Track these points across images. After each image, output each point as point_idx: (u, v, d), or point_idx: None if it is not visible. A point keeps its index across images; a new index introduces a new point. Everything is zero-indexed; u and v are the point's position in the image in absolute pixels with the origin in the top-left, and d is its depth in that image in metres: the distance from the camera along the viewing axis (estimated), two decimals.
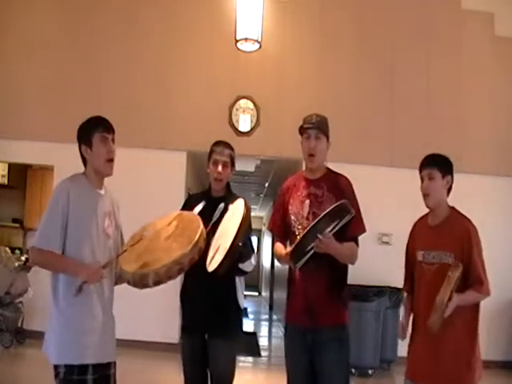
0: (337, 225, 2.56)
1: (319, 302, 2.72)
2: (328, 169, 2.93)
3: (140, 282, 2.36)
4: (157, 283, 2.36)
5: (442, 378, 2.63)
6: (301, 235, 2.61)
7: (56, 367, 2.37)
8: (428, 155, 2.84)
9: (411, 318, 2.87)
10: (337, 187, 2.80)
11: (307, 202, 2.80)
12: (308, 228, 2.59)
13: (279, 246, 2.89)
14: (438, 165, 2.75)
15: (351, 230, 2.70)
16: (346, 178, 2.88)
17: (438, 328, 2.55)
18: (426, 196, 2.75)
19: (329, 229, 2.55)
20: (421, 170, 2.80)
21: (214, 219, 2.86)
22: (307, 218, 2.77)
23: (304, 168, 2.99)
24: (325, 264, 2.67)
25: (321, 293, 2.72)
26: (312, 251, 2.57)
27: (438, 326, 2.55)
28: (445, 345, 2.62)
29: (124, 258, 2.46)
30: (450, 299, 2.49)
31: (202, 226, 2.55)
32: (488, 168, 6.93)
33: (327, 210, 2.58)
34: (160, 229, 2.60)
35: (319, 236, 2.52)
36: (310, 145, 2.82)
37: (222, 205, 2.91)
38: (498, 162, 7.01)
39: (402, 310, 2.87)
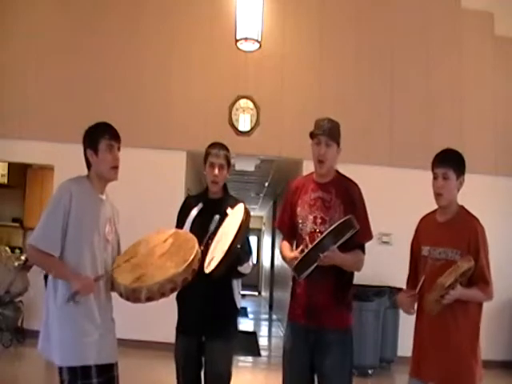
0: (341, 239, 2.57)
1: (323, 305, 2.71)
2: (337, 172, 2.92)
3: (132, 296, 2.41)
4: (149, 299, 2.40)
5: (445, 375, 2.61)
6: (305, 251, 2.60)
7: (60, 374, 2.37)
8: (443, 151, 2.77)
9: (414, 318, 2.81)
10: (346, 194, 2.79)
11: (315, 206, 2.79)
12: (312, 245, 2.59)
13: (286, 245, 2.89)
14: (453, 165, 2.70)
15: (358, 237, 2.69)
16: (356, 185, 2.86)
17: (435, 311, 2.52)
18: (438, 195, 2.69)
19: (332, 244, 2.55)
20: (435, 166, 2.72)
21: (211, 231, 2.89)
22: (314, 223, 2.77)
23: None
24: (330, 271, 2.66)
25: (325, 297, 2.71)
26: (316, 264, 2.57)
27: (433, 308, 2.52)
28: (448, 342, 2.60)
29: (119, 270, 2.50)
30: (452, 288, 2.46)
31: (197, 246, 2.58)
32: (487, 168, 6.91)
33: (331, 228, 2.58)
34: (155, 245, 2.63)
35: (321, 255, 2.53)
36: (320, 151, 2.81)
37: (216, 217, 2.95)
38: (498, 161, 7.00)
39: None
